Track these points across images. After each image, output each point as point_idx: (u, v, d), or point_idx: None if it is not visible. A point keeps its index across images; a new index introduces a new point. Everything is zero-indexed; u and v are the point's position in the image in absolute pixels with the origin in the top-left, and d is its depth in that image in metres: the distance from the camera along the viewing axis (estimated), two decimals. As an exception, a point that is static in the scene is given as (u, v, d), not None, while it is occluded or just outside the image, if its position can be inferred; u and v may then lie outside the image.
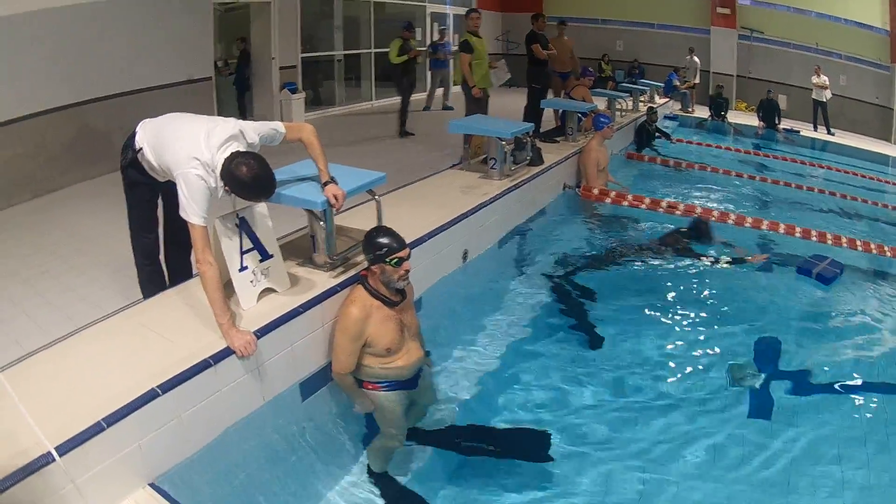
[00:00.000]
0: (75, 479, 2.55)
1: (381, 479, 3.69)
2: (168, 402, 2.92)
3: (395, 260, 3.50)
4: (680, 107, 17.89)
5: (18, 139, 7.17)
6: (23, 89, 7.15)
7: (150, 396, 2.85)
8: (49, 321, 4.49)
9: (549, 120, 10.74)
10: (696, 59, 18.72)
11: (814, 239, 7.27)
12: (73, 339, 3.35)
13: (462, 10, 18.03)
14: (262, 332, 3.40)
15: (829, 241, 7.22)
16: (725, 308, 5.81)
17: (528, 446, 3.96)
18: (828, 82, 17.18)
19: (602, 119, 8.25)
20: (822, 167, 13.41)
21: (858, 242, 7.30)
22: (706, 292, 6.12)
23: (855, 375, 4.72)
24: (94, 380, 2.95)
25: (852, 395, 4.52)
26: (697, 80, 18.69)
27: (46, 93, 7.45)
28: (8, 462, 2.40)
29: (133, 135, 3.69)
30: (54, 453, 2.48)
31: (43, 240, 6.07)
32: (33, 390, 2.87)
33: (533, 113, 9.84)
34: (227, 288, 3.50)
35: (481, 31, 9.58)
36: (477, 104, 9.30)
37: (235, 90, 12.15)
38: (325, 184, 3.83)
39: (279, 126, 3.75)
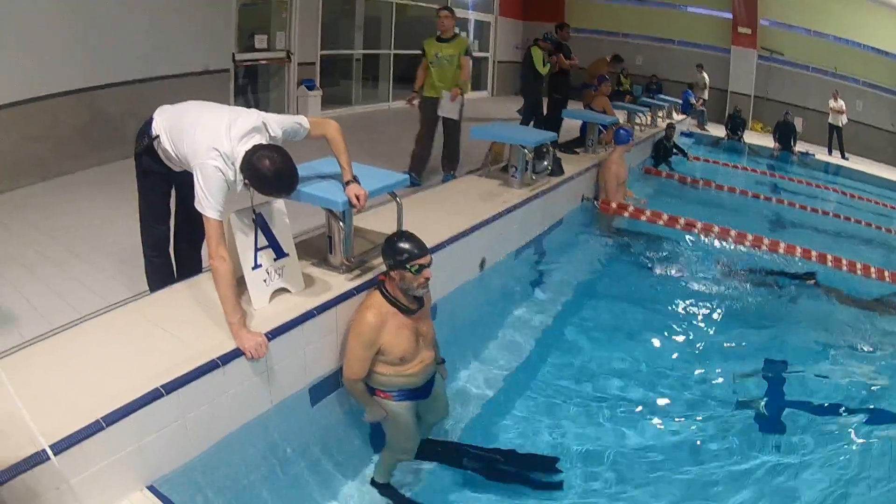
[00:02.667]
0: (70, 479, 2.44)
1: (385, 491, 3.61)
2: (172, 402, 2.81)
3: (416, 267, 3.37)
4: (696, 123, 17.75)
5: (29, 121, 7.05)
6: (37, 70, 7.05)
7: (153, 396, 2.73)
8: (50, 309, 4.33)
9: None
10: (704, 74, 18.66)
11: (829, 264, 7.23)
12: (75, 331, 3.25)
13: (486, 17, 18.01)
14: (273, 334, 3.28)
15: (845, 268, 7.21)
16: (744, 329, 5.76)
17: (535, 470, 3.85)
18: (844, 107, 17.15)
19: (623, 133, 8.17)
20: (835, 191, 13.42)
21: (872, 269, 7.25)
22: (728, 312, 6.05)
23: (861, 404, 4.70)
24: (95, 375, 2.84)
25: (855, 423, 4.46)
26: (706, 97, 18.61)
27: (61, 75, 7.34)
28: (-1, 458, 2.29)
29: (149, 121, 3.57)
30: (49, 451, 2.36)
31: (49, 224, 5.93)
32: (31, 382, 2.75)
33: (553, 123, 9.74)
34: (239, 286, 3.38)
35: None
36: (424, 115, 8.14)
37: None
38: (348, 183, 3.72)
39: (303, 121, 3.63)
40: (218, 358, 3.03)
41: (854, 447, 4.15)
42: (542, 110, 10.04)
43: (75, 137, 7.60)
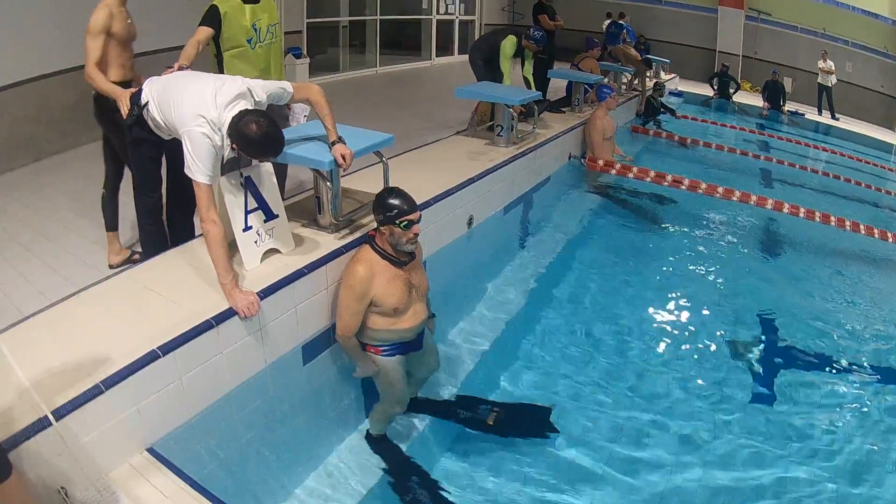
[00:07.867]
0: (71, 444, 2.48)
1: (380, 445, 3.68)
2: (168, 363, 2.86)
3: (406, 223, 3.41)
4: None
5: (21, 102, 7.05)
6: (27, 52, 7.03)
7: (149, 358, 2.78)
8: (48, 285, 4.32)
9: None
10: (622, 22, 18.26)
11: (817, 220, 7.25)
12: (72, 302, 3.28)
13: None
14: (265, 293, 3.34)
15: (833, 223, 7.23)
16: (733, 283, 5.81)
17: (528, 419, 3.94)
18: (834, 67, 17.02)
19: (605, 90, 8.28)
20: (826, 150, 13.36)
21: (862, 226, 7.29)
22: (716, 268, 6.13)
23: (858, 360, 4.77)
24: (94, 342, 2.88)
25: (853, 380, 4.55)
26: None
27: (51, 55, 7.29)
28: (2, 429, 2.32)
29: (139, 92, 3.63)
30: (51, 417, 2.41)
31: (44, 203, 5.92)
32: (31, 354, 2.79)
33: (539, 82, 9.71)
34: (231, 248, 3.41)
35: None
36: None
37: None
38: (333, 143, 3.76)
39: (287, 85, 3.68)
40: (212, 318, 3.08)
41: (847, 402, 4.28)
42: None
43: (67, 116, 7.56)
